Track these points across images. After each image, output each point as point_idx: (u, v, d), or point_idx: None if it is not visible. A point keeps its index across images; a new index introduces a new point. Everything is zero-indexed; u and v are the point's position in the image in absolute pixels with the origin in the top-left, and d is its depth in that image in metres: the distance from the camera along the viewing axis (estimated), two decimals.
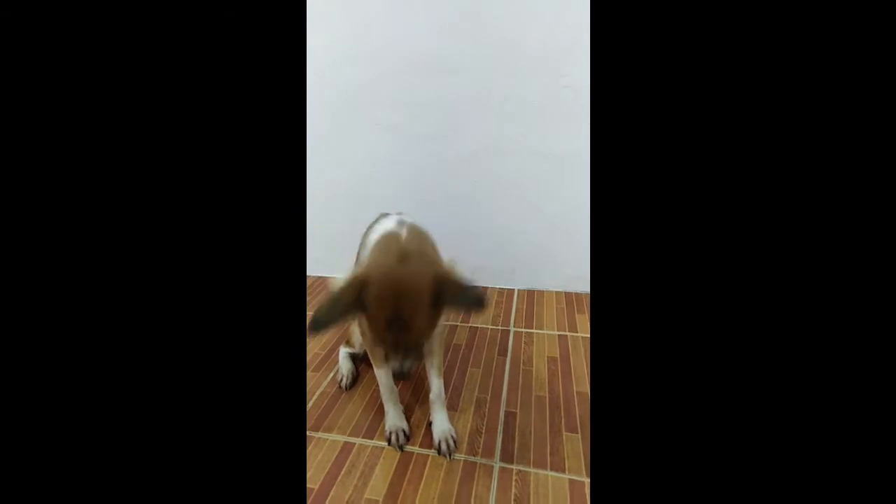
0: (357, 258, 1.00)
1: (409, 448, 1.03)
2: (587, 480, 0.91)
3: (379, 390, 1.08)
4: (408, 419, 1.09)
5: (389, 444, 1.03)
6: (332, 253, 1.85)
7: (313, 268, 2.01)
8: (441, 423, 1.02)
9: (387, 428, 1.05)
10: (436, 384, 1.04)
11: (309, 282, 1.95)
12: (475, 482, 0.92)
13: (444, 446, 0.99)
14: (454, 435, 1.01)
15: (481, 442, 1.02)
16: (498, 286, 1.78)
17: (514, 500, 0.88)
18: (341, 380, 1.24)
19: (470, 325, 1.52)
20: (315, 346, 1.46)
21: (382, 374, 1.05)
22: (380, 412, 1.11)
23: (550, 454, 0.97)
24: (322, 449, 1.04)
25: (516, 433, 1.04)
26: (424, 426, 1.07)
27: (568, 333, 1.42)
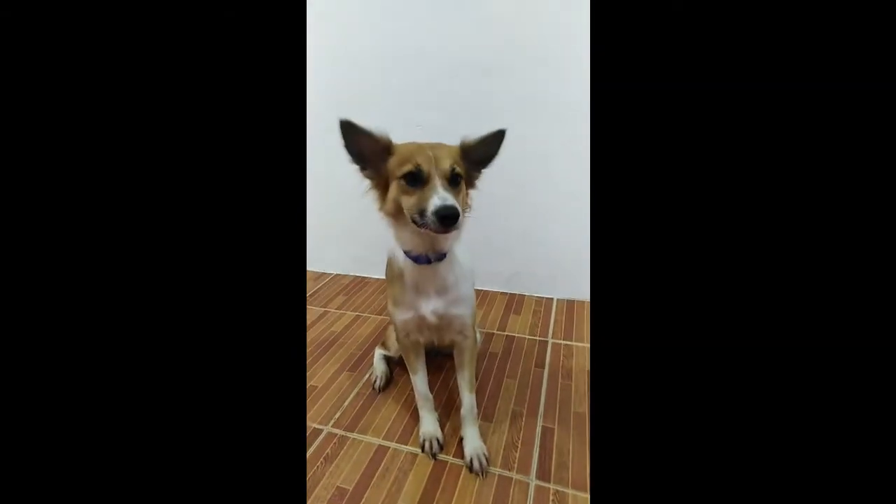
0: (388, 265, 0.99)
1: (442, 457, 1.01)
2: None
3: (414, 395, 1.07)
4: (442, 426, 1.08)
5: (423, 451, 1.02)
6: (372, 252, 1.88)
7: (352, 266, 2.05)
8: (472, 440, 1.00)
9: (421, 435, 1.04)
10: (467, 399, 1.02)
11: (346, 281, 1.98)
12: (510, 499, 0.90)
13: (475, 464, 0.96)
14: (486, 452, 0.99)
15: (517, 457, 1.00)
16: (536, 295, 1.74)
17: None
18: (375, 381, 1.25)
19: (506, 333, 1.49)
20: (351, 346, 1.48)
21: (418, 381, 1.04)
22: (414, 417, 1.11)
23: (590, 476, 0.93)
24: (357, 450, 1.04)
25: (553, 450, 1.00)
26: (458, 437, 1.06)
27: None
